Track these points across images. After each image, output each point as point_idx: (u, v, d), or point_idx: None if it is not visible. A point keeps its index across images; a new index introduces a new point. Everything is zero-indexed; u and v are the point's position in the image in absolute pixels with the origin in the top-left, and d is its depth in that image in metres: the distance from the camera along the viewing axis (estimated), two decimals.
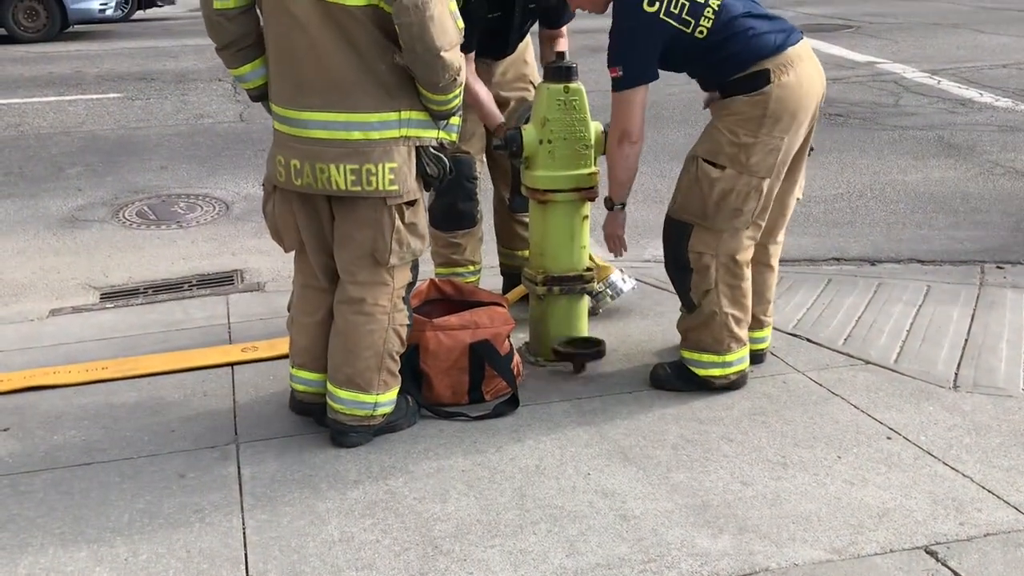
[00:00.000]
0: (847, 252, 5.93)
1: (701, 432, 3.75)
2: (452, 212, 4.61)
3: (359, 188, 3.45)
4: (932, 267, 5.62)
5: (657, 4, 3.66)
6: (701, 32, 3.70)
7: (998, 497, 3.29)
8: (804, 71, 3.77)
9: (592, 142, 4.12)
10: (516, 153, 4.10)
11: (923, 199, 6.88)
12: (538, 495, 3.36)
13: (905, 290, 5.11)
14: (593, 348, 4.22)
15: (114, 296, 5.50)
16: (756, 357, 4.19)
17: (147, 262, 6.03)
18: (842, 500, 3.29)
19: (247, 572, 3.01)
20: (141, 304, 5.34)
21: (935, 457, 3.55)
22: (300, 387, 3.85)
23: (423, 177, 3.57)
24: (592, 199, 4.19)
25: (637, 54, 3.73)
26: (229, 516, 3.29)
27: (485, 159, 4.71)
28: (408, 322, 3.70)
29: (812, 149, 4.05)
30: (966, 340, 4.51)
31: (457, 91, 3.47)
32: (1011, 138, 8.30)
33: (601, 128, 4.16)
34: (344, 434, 3.68)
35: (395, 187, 3.46)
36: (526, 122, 4.19)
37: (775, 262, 4.19)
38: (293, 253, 3.80)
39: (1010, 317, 4.77)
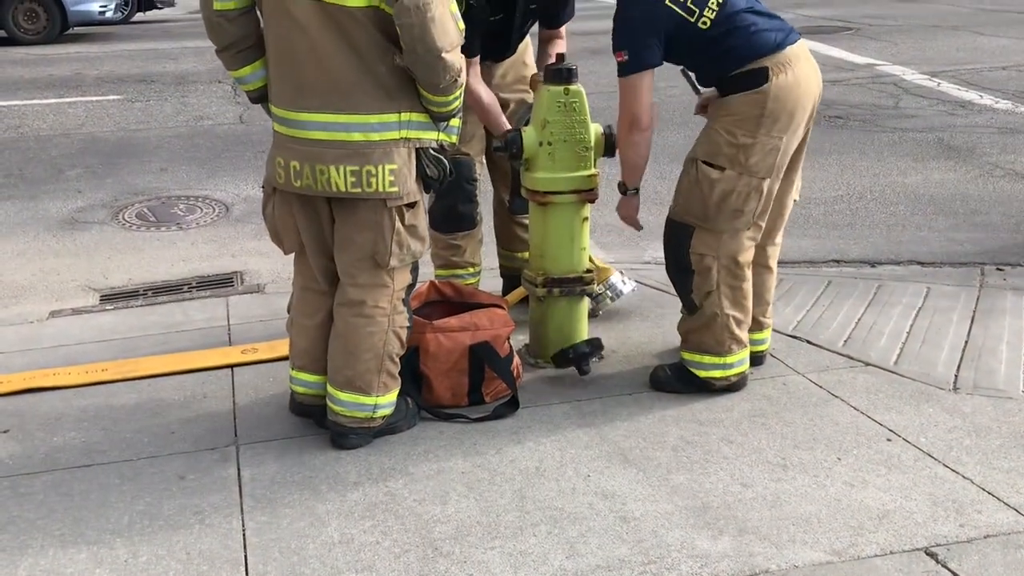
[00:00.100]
0: (847, 254, 5.94)
1: (701, 434, 3.75)
2: (452, 214, 4.61)
3: (359, 190, 3.45)
4: (932, 269, 5.62)
5: None
6: (704, 23, 3.71)
7: (998, 499, 3.29)
8: (802, 71, 3.78)
9: (592, 144, 4.12)
10: (516, 155, 4.10)
11: (923, 201, 6.88)
12: (538, 497, 3.36)
13: (905, 292, 5.11)
14: (591, 346, 4.20)
15: (114, 298, 5.50)
16: (756, 359, 4.19)
17: (147, 264, 6.03)
18: (842, 502, 3.29)
19: (247, 574, 3.01)
20: (141, 306, 5.34)
21: (935, 459, 3.55)
22: (300, 389, 3.85)
23: (423, 179, 3.57)
24: (592, 201, 4.19)
25: (642, 38, 3.73)
26: (229, 518, 3.29)
27: (485, 161, 4.71)
28: (408, 324, 3.70)
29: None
30: (966, 342, 4.51)
31: (458, 93, 3.47)
32: (1011, 140, 8.30)
33: (601, 130, 4.17)
34: (344, 436, 3.68)
35: (395, 188, 3.46)
36: (526, 124, 4.19)
37: (774, 263, 4.20)
38: (293, 255, 3.80)
39: (1010, 319, 4.77)
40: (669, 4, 3.69)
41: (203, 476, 3.55)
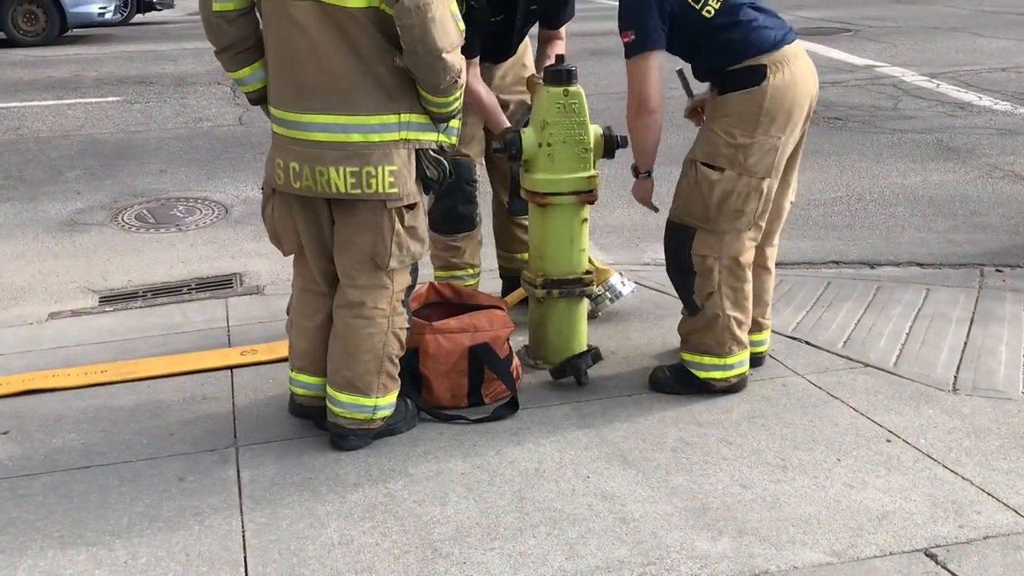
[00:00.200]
0: (846, 255, 5.94)
1: (700, 435, 3.75)
2: (452, 215, 4.61)
3: (359, 191, 3.45)
4: (931, 270, 5.62)
5: None
6: (708, 12, 3.72)
7: (998, 500, 3.29)
8: (799, 70, 3.79)
9: (591, 145, 4.11)
10: (515, 156, 4.10)
11: (922, 202, 6.89)
12: (537, 498, 3.36)
13: (904, 293, 5.11)
14: (588, 356, 4.18)
15: (113, 299, 5.50)
16: (755, 360, 4.19)
17: (146, 265, 6.03)
18: (842, 503, 3.29)
19: (246, 575, 3.01)
20: (140, 307, 5.34)
21: (935, 460, 3.55)
22: (299, 390, 3.85)
23: (423, 180, 3.57)
24: (591, 202, 4.19)
25: (649, 19, 3.72)
26: (228, 519, 3.29)
27: (484, 162, 4.71)
28: (407, 325, 3.70)
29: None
30: (965, 343, 4.52)
31: (458, 93, 3.47)
32: (1010, 141, 8.30)
33: (600, 131, 4.17)
34: (344, 437, 3.68)
35: (395, 190, 3.46)
36: (525, 125, 4.19)
37: (772, 264, 4.20)
38: (292, 257, 3.80)
39: (1009, 320, 4.77)
40: None
41: (202, 477, 3.55)
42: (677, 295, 4.11)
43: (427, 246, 3.74)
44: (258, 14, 3.54)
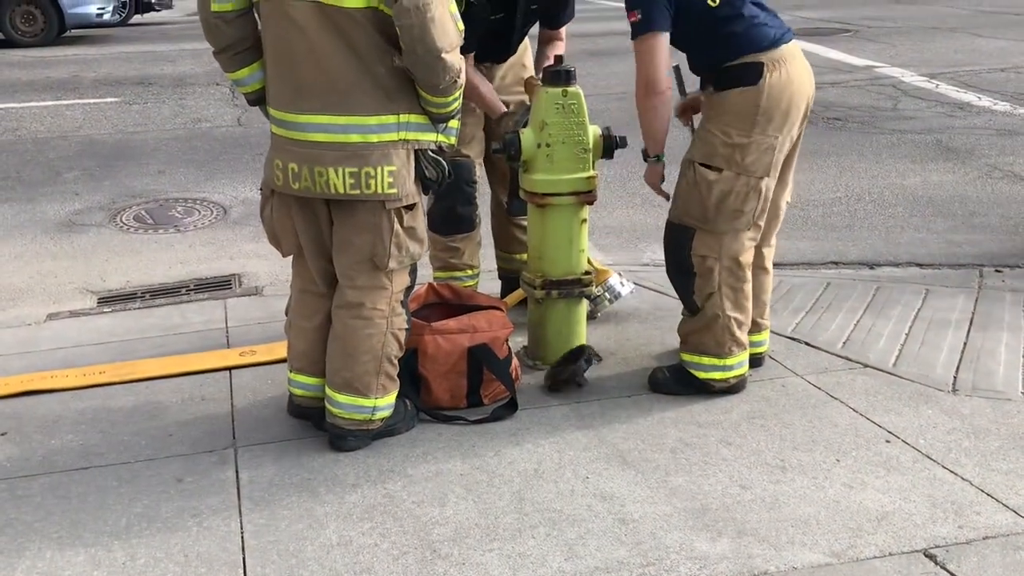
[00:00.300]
0: (845, 256, 5.94)
1: (700, 436, 3.74)
2: (451, 216, 4.61)
3: (358, 191, 3.44)
4: (931, 271, 5.62)
5: None
6: (714, 0, 3.72)
7: (997, 500, 3.29)
8: (795, 69, 3.79)
9: (590, 146, 4.11)
10: (514, 157, 4.10)
11: (921, 203, 6.89)
12: (537, 499, 3.35)
13: (904, 294, 5.11)
14: (583, 361, 4.14)
15: (111, 300, 5.50)
16: (754, 361, 4.19)
17: (144, 266, 6.02)
18: (841, 503, 3.29)
19: None
20: (139, 308, 5.34)
21: (934, 460, 3.54)
22: (298, 391, 3.84)
23: (421, 180, 3.57)
24: (590, 203, 4.18)
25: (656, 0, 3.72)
26: (227, 520, 3.28)
27: (483, 163, 4.70)
28: (406, 326, 3.69)
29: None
30: (965, 343, 4.51)
31: (457, 93, 3.47)
32: (1009, 142, 8.30)
33: (599, 132, 4.17)
34: (342, 438, 3.67)
35: (394, 190, 3.46)
36: (524, 126, 4.19)
37: (770, 264, 4.20)
38: (291, 257, 3.80)
39: (1008, 320, 4.77)
40: None
41: (201, 478, 3.54)
42: (677, 296, 4.11)
43: (426, 247, 3.74)
44: (256, 15, 3.54)
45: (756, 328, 4.16)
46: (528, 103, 4.49)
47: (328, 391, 3.67)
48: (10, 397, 4.19)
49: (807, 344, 4.52)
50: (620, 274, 4.88)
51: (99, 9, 15.82)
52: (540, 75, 4.32)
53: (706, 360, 3.98)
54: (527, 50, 4.73)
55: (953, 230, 6.34)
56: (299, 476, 3.53)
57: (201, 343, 4.73)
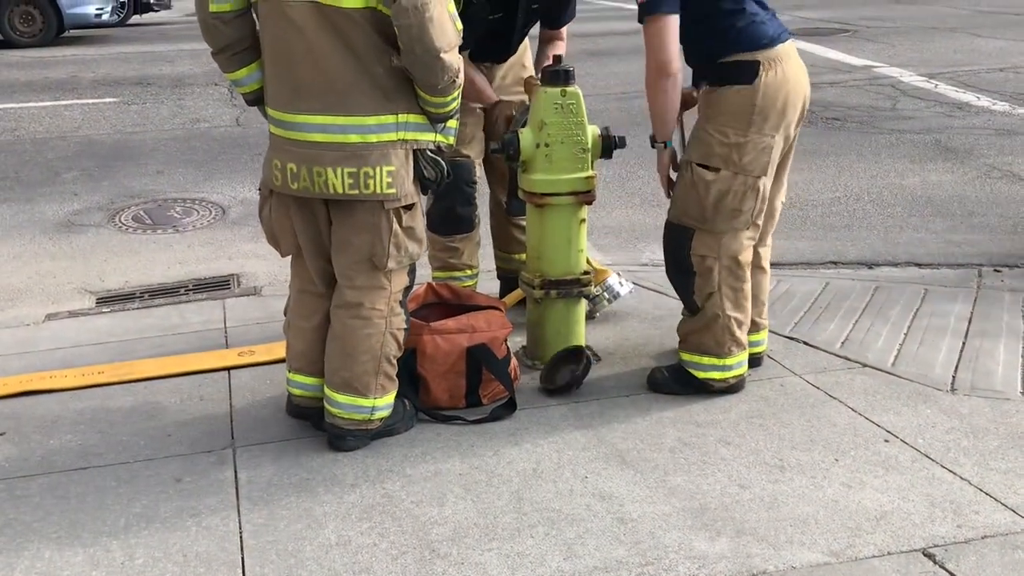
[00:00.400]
0: (844, 256, 5.94)
1: (699, 435, 3.74)
2: (450, 216, 4.61)
3: (356, 191, 3.44)
4: (929, 271, 5.62)
5: None
6: None
7: (995, 499, 3.29)
8: (791, 69, 3.79)
9: (589, 146, 4.11)
10: (513, 157, 4.10)
11: (920, 203, 6.89)
12: (535, 498, 3.35)
13: (902, 293, 5.11)
14: (580, 365, 4.12)
15: (110, 300, 5.50)
16: (753, 360, 4.19)
17: (143, 266, 6.02)
18: (840, 503, 3.29)
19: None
20: (137, 308, 5.34)
21: (933, 460, 3.55)
22: (297, 391, 3.84)
23: (420, 180, 3.57)
24: (589, 203, 4.18)
25: None
26: (226, 520, 3.28)
27: (482, 163, 4.70)
28: (405, 326, 3.69)
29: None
30: (963, 343, 4.51)
31: (455, 93, 3.47)
32: (1008, 142, 8.30)
33: (598, 132, 4.16)
34: (341, 438, 3.67)
35: (393, 190, 3.46)
36: (523, 125, 4.19)
37: (767, 264, 4.20)
38: (289, 258, 3.79)
39: (1007, 320, 4.77)
40: None
41: (200, 478, 3.54)
42: (677, 296, 4.11)
43: (425, 247, 3.74)
44: (255, 15, 3.54)
45: (754, 328, 4.16)
46: (528, 103, 4.49)
47: (327, 391, 3.67)
48: (9, 397, 4.19)
49: (806, 344, 4.52)
50: (619, 274, 4.88)
51: (98, 9, 15.82)
52: (539, 75, 4.32)
53: (705, 360, 3.98)
54: (527, 50, 4.73)
55: (952, 230, 6.34)
56: (298, 476, 3.53)
57: (200, 343, 4.73)
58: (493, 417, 3.88)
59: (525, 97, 4.61)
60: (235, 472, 3.57)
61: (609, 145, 4.16)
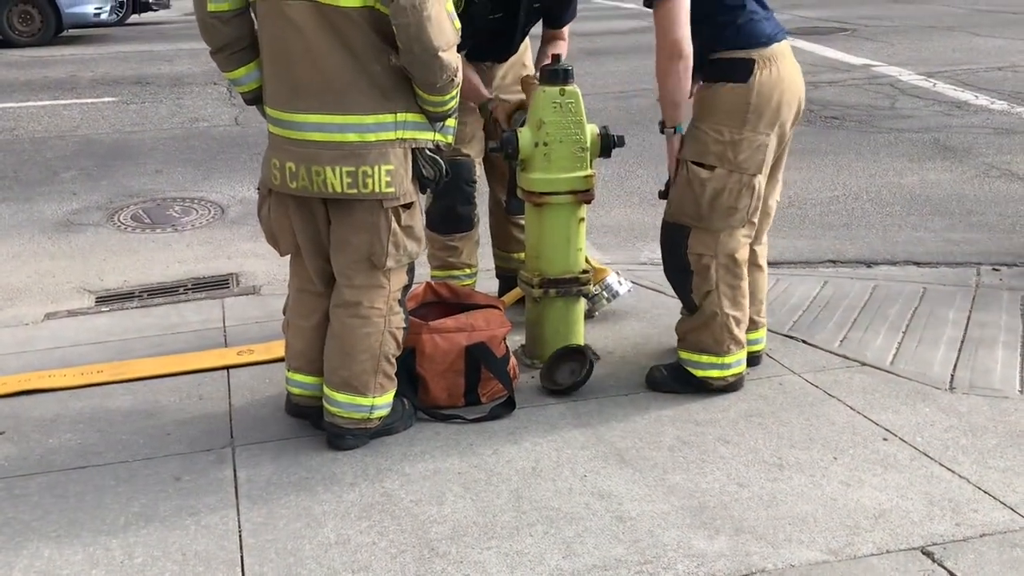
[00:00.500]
0: (843, 254, 5.94)
1: (697, 434, 3.75)
2: (450, 215, 4.60)
3: (355, 191, 3.44)
4: (928, 269, 5.62)
5: None
6: None
7: (994, 498, 3.29)
8: (786, 68, 3.79)
9: (588, 145, 4.11)
10: (512, 155, 4.10)
11: (919, 201, 6.89)
12: (534, 497, 3.35)
13: (901, 292, 5.12)
14: (581, 371, 4.11)
15: (109, 300, 5.50)
16: (752, 359, 4.19)
17: (142, 266, 6.02)
18: (838, 501, 3.29)
19: (243, 575, 3.00)
20: (136, 308, 5.34)
21: (931, 458, 3.55)
22: (296, 390, 3.84)
23: (419, 179, 3.57)
24: (588, 202, 4.18)
25: None
26: (225, 519, 3.29)
27: (481, 161, 4.70)
28: (404, 325, 3.69)
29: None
30: (962, 342, 4.52)
31: (454, 92, 3.47)
32: (1006, 140, 8.31)
33: (597, 131, 4.16)
34: (340, 437, 3.67)
35: (391, 189, 3.46)
36: (522, 124, 4.19)
37: (763, 262, 4.21)
38: (288, 257, 3.80)
39: (1006, 319, 4.77)
40: None
41: (199, 477, 3.54)
42: (676, 295, 4.11)
43: (424, 245, 3.74)
44: (253, 14, 3.54)
45: (753, 326, 4.17)
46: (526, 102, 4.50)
47: (326, 390, 3.67)
48: (8, 396, 4.19)
49: (804, 342, 4.53)
50: (618, 273, 4.88)
51: (96, 9, 15.80)
52: (537, 74, 4.32)
53: (704, 358, 3.98)
54: (528, 49, 4.72)
55: (950, 228, 6.35)
56: (297, 475, 3.53)
57: (199, 342, 4.73)
58: (492, 416, 3.88)
59: (524, 97, 4.61)
60: (234, 471, 3.58)
61: (608, 144, 4.16)
